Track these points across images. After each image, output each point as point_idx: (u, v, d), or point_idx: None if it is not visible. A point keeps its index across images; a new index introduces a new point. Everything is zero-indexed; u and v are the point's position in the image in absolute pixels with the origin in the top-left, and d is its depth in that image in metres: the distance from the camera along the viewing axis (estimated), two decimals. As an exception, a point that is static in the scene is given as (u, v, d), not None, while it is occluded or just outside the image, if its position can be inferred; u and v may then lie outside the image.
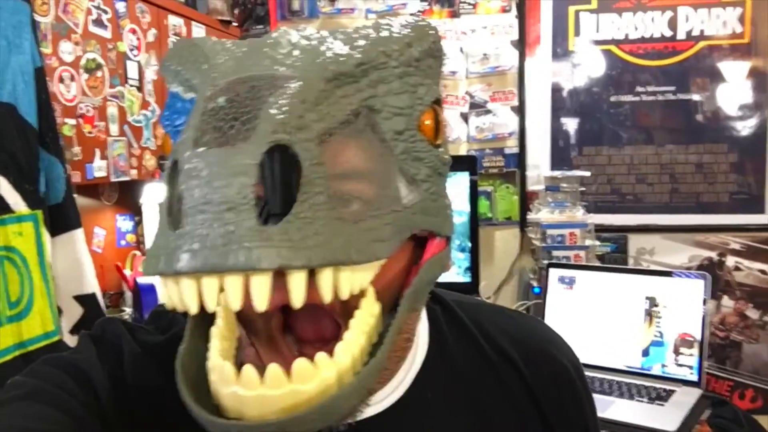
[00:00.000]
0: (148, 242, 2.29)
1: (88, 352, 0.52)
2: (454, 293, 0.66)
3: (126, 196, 2.25)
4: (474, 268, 1.99)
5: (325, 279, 0.37)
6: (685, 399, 1.54)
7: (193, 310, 0.35)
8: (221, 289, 0.35)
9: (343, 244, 0.36)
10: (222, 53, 0.43)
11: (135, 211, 2.31)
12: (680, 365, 1.64)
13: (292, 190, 0.35)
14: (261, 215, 0.34)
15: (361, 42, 0.44)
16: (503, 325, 0.65)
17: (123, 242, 2.27)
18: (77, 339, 0.55)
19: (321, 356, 0.38)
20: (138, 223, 2.33)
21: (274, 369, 0.37)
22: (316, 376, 0.38)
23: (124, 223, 2.29)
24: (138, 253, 2.28)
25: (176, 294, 0.36)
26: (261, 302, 0.35)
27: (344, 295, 0.38)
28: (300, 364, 0.38)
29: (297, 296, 0.36)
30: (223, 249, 0.32)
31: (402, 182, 0.45)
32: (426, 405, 0.56)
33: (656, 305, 1.70)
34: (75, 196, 1.96)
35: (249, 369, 0.37)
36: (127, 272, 2.19)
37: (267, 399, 0.36)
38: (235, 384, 0.37)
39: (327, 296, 0.37)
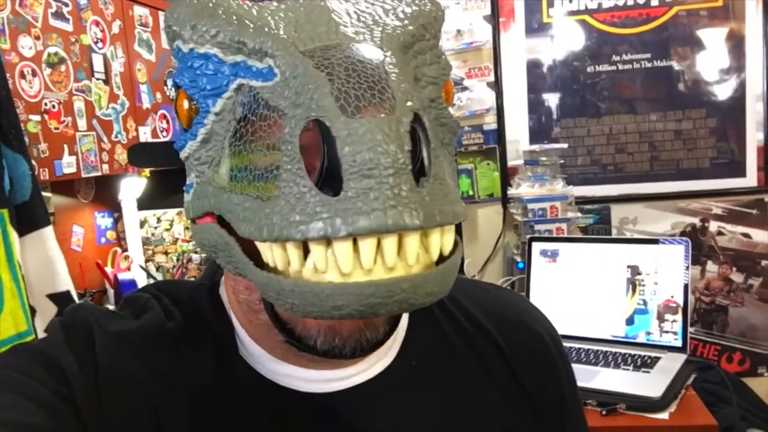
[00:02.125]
0: (130, 238, 2.29)
1: (58, 339, 0.51)
2: None
3: (103, 193, 2.23)
4: (457, 247, 1.98)
5: (436, 239, 0.40)
6: (670, 365, 1.54)
7: (368, 266, 0.37)
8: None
9: (453, 202, 0.39)
10: (274, 17, 0.43)
11: (113, 208, 2.29)
12: (665, 332, 1.64)
13: (421, 155, 0.38)
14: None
15: (403, 14, 0.46)
16: (478, 298, 0.65)
17: (103, 239, 2.25)
18: (47, 326, 0.54)
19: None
20: (117, 220, 2.31)
21: (390, 244, 0.37)
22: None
23: (103, 221, 2.27)
24: (119, 250, 2.26)
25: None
26: (413, 258, 0.38)
27: (447, 252, 0.41)
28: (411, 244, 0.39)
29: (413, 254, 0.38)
30: (395, 210, 0.35)
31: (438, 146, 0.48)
32: (411, 373, 0.57)
33: (639, 273, 1.70)
34: (49, 195, 1.94)
35: (368, 243, 0.37)
36: (109, 270, 2.17)
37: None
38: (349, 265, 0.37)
39: (436, 255, 0.40)
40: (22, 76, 1.47)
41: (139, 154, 0.66)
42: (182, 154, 0.49)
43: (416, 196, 0.36)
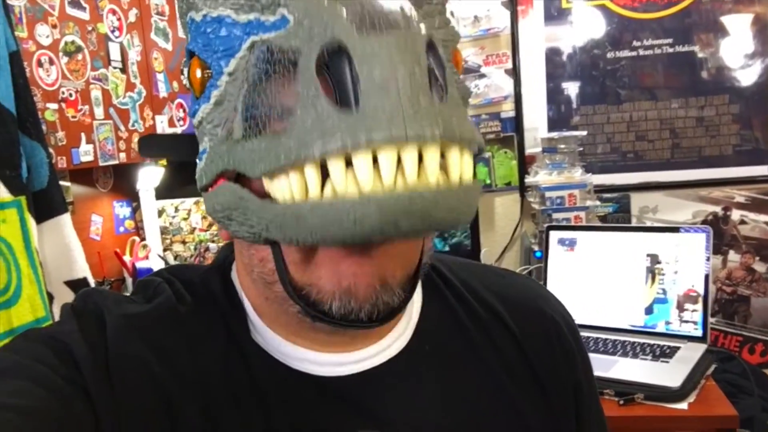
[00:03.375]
0: (148, 227, 2.31)
1: (69, 324, 0.51)
2: (440, 254, 0.66)
3: (121, 182, 2.24)
4: (474, 236, 1.97)
5: (455, 159, 0.40)
6: (689, 354, 1.52)
7: (389, 180, 0.36)
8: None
9: (471, 127, 0.40)
10: None
11: (132, 197, 2.30)
12: (685, 321, 1.62)
13: (436, 78, 0.38)
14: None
15: None
16: (492, 283, 0.65)
17: (121, 229, 2.27)
18: (60, 311, 0.54)
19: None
20: (135, 209, 2.33)
21: (410, 156, 0.37)
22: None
23: (122, 210, 2.28)
24: (137, 239, 2.28)
25: (342, 174, 0.37)
26: (433, 175, 0.38)
27: (467, 177, 0.41)
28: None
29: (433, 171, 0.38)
30: (415, 122, 0.35)
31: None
32: (424, 357, 0.57)
33: (659, 262, 1.67)
34: (68, 184, 1.95)
35: (388, 155, 0.36)
36: (127, 258, 2.19)
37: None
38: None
39: (456, 177, 0.40)
40: (40, 64, 1.48)
41: (150, 145, 0.66)
42: (195, 120, 0.48)
43: (435, 110, 0.36)
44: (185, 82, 0.52)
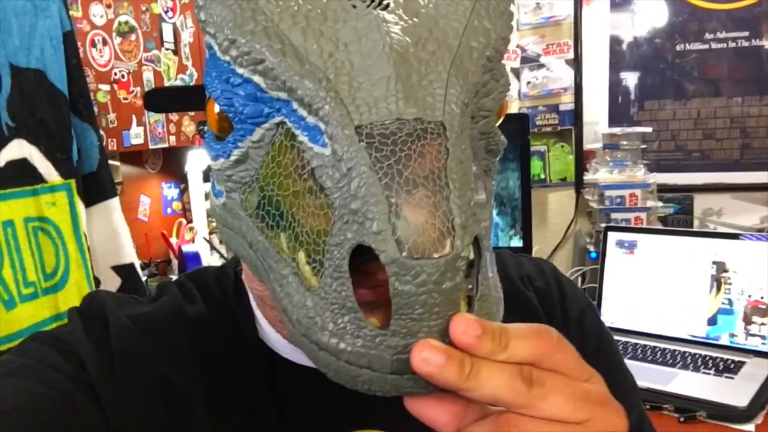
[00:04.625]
0: (195, 210, 2.30)
1: (75, 325, 0.52)
2: None
3: (170, 164, 2.24)
4: (526, 233, 1.89)
5: None
6: (756, 371, 1.43)
7: (387, 395, 0.36)
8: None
9: (499, 302, 0.38)
10: (318, 52, 0.36)
11: (180, 179, 2.30)
12: (751, 335, 1.52)
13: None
14: None
15: (470, 49, 0.38)
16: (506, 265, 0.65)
17: (169, 210, 2.27)
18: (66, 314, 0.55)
19: None
20: (183, 191, 2.32)
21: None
22: None
23: (170, 191, 2.28)
24: (184, 221, 2.28)
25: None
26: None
27: None
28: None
29: None
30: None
31: (480, 180, 0.42)
32: None
33: (725, 270, 1.58)
34: (118, 164, 1.95)
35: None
36: (173, 240, 2.19)
37: None
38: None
39: None
40: (93, 44, 1.46)
41: (156, 99, 0.64)
42: (212, 164, 0.44)
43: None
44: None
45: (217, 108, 0.41)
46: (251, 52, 0.37)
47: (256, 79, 0.37)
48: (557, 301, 0.64)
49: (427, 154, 0.34)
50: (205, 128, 0.45)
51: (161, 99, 0.61)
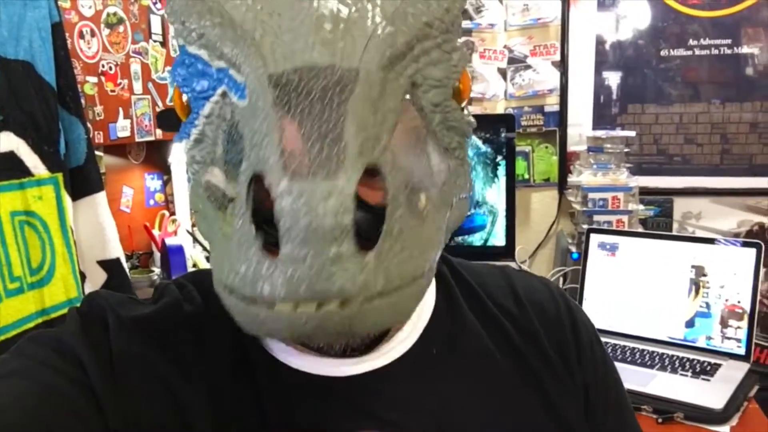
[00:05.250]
0: (178, 202, 2.28)
1: (74, 326, 0.52)
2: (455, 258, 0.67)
3: (153, 155, 2.21)
4: (510, 232, 1.91)
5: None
6: (732, 373, 1.46)
7: (283, 335, 0.38)
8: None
9: (422, 251, 0.39)
10: (252, 19, 0.39)
11: (163, 170, 2.28)
12: (727, 338, 1.56)
13: (374, 207, 0.38)
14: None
15: (404, 13, 0.41)
16: (503, 285, 0.65)
17: (152, 202, 2.25)
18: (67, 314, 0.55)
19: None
20: (166, 183, 2.30)
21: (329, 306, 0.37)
22: None
23: (153, 183, 2.26)
24: (166, 213, 2.26)
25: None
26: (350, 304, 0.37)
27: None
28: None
29: None
30: (329, 278, 0.34)
31: (435, 153, 0.45)
32: (430, 361, 0.57)
33: (704, 275, 1.61)
34: (101, 155, 1.93)
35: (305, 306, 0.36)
36: (156, 232, 2.17)
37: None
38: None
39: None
40: (81, 36, 1.44)
41: (170, 119, 0.66)
42: (182, 147, 0.48)
43: (357, 264, 0.35)
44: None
45: (181, 98, 0.46)
46: (197, 29, 0.42)
47: (202, 53, 0.42)
48: (567, 324, 0.64)
49: (335, 97, 0.36)
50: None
51: (175, 118, 0.62)
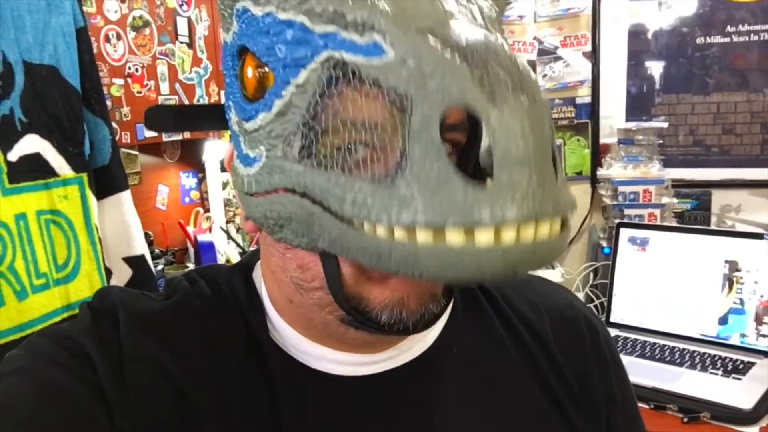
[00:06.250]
0: (212, 199, 2.33)
1: (85, 323, 0.52)
2: None
3: (188, 154, 2.27)
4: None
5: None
6: (765, 373, 1.41)
7: (510, 238, 0.37)
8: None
9: (567, 190, 0.40)
10: None
11: (198, 169, 2.33)
12: (762, 335, 1.50)
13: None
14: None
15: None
16: (521, 290, 0.64)
17: (187, 199, 2.30)
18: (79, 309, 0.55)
19: None
20: (201, 180, 2.35)
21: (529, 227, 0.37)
22: None
23: (188, 181, 2.31)
24: (201, 210, 2.31)
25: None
26: (544, 233, 0.38)
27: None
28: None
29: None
30: (540, 201, 0.35)
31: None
32: (448, 361, 0.56)
33: (738, 270, 1.55)
34: (137, 153, 1.99)
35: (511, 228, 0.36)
36: (190, 229, 2.22)
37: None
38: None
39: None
40: (107, 39, 1.48)
41: (156, 118, 0.65)
42: (249, 125, 0.45)
43: (555, 188, 0.36)
44: (227, 76, 0.49)
45: (249, 72, 0.44)
46: (325, 7, 0.39)
47: (301, 18, 0.40)
48: (585, 330, 0.63)
49: (491, 47, 0.37)
50: (228, 102, 0.49)
51: (162, 118, 0.62)
